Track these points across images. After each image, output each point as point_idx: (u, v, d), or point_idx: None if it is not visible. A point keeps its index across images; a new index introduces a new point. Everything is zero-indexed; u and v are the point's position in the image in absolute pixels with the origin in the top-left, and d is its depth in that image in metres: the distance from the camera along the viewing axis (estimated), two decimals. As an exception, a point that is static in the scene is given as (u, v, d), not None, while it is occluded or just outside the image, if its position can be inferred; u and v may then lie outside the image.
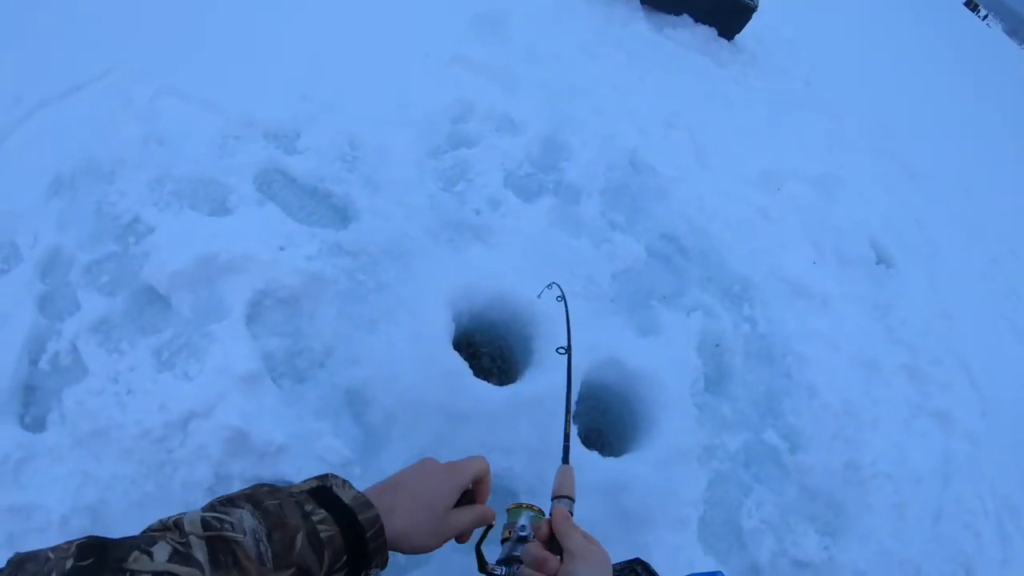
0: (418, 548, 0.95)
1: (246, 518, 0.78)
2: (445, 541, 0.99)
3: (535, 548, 1.01)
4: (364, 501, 0.88)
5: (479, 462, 1.06)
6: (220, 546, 0.72)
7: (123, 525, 1.79)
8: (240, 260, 2.22)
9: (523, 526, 1.10)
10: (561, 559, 0.98)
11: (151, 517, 1.81)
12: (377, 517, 0.87)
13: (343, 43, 3.28)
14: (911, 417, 3.30)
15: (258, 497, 0.82)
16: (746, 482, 2.59)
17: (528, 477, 2.15)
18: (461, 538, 1.04)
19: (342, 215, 2.59)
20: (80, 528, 1.79)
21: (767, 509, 2.55)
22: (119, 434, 1.89)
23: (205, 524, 0.74)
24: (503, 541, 1.11)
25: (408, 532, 0.93)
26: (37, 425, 1.93)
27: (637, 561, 1.49)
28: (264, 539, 0.77)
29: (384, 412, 2.13)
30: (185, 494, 1.87)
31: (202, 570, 0.69)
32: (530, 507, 1.12)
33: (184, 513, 0.76)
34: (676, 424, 2.44)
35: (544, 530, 1.04)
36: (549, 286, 2.61)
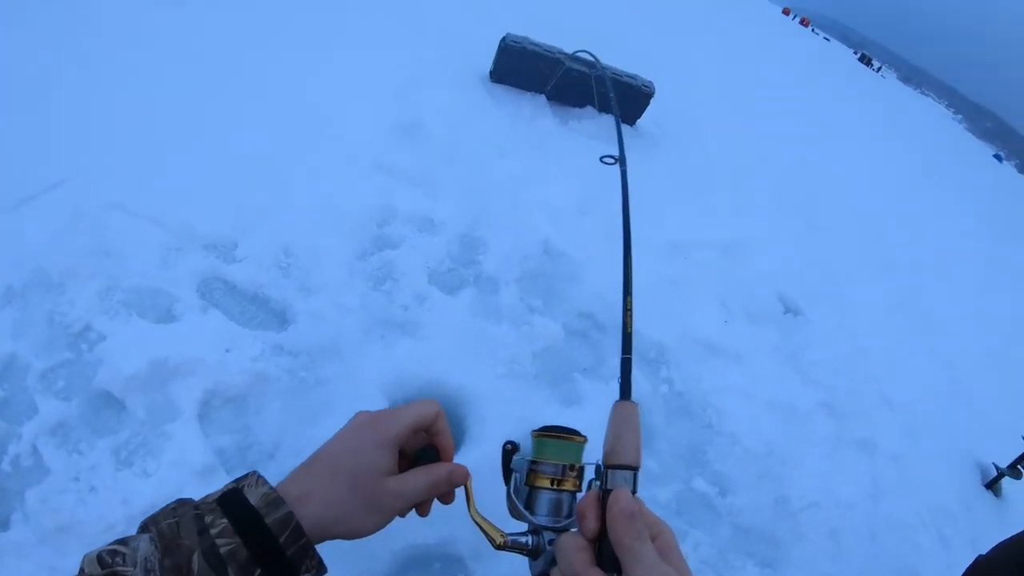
0: (355, 532, 0.77)
1: (142, 546, 0.68)
2: (389, 517, 0.79)
3: (576, 555, 0.65)
4: (274, 498, 0.72)
5: (421, 405, 0.83)
6: None
7: None
8: (189, 363, 2.38)
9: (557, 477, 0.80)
10: None
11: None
12: (290, 515, 0.71)
13: (275, 155, 3.51)
14: (834, 449, 3.57)
15: (159, 517, 0.71)
16: (681, 528, 2.77)
17: (472, 543, 2.29)
18: (420, 509, 0.84)
19: (281, 318, 2.78)
20: None
21: (705, 550, 2.74)
22: (83, 529, 1.97)
23: (101, 561, 0.66)
24: (531, 489, 0.81)
25: (335, 516, 0.75)
26: (1, 524, 1.99)
27: None
28: (156, 567, 0.67)
29: None
30: None
31: None
32: (571, 438, 0.81)
33: (87, 554, 0.68)
34: (605, 485, 2.64)
35: (592, 522, 0.66)
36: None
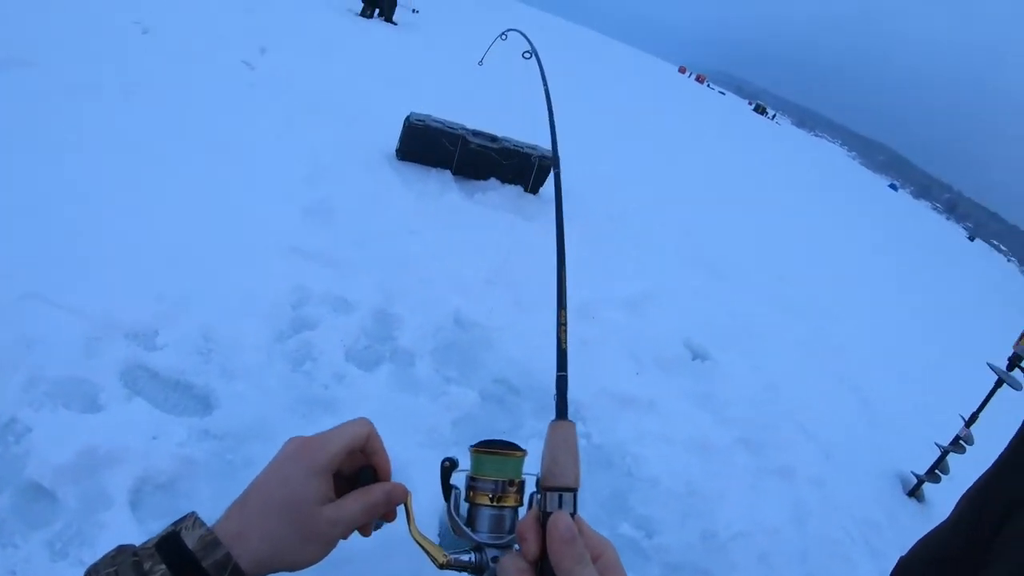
0: (296, 564, 0.74)
1: None
2: (330, 545, 0.77)
3: (517, 571, 0.65)
4: (210, 540, 0.71)
5: (352, 426, 0.80)
6: None
7: None
8: (118, 451, 2.38)
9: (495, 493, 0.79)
10: None
11: None
12: (227, 557, 0.70)
13: (192, 242, 3.56)
14: (755, 480, 3.71)
15: (100, 567, 0.70)
16: (611, 575, 2.86)
17: (415, 566, 2.30)
18: (362, 530, 0.83)
19: (205, 403, 2.80)
20: None
21: (638, 592, 2.81)
22: None
23: None
24: (471, 506, 0.81)
25: (274, 551, 0.73)
26: None
27: None
28: None
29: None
30: None
31: None
32: (509, 453, 0.80)
33: None
34: (529, 543, 2.72)
35: (532, 545, 0.65)
36: (504, 36, 2.79)
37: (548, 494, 0.69)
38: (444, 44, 15.22)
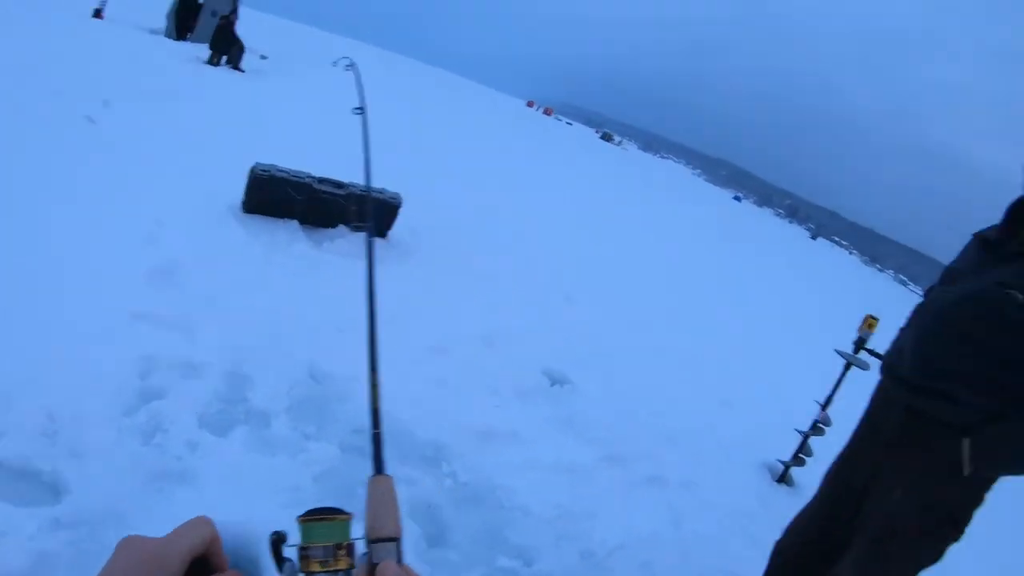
0: None
1: None
2: None
3: None
4: None
5: (193, 531, 0.70)
6: None
7: None
8: None
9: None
10: None
11: None
12: None
13: (26, 316, 3.36)
14: (625, 493, 3.81)
15: None
16: (494, 608, 2.85)
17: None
18: None
19: (54, 490, 2.62)
20: None
21: (523, 621, 2.82)
22: None
23: None
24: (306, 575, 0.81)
25: None
26: None
27: None
28: None
29: None
30: None
31: None
32: (334, 517, 0.81)
33: None
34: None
35: None
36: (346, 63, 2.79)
37: (373, 546, 0.75)
38: (292, 91, 15.01)
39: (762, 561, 3.19)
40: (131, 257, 4.26)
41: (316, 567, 0.77)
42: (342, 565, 0.78)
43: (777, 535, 3.10)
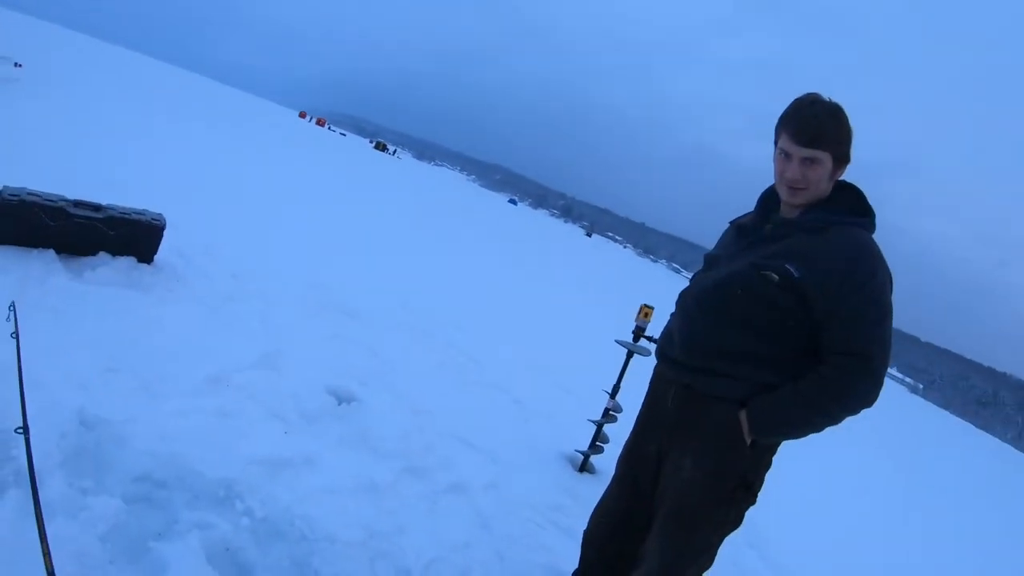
0: None
1: None
2: None
3: None
4: None
5: None
6: None
7: None
8: None
9: None
10: None
11: None
12: None
13: None
14: (431, 505, 3.83)
15: None
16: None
17: None
18: None
19: None
20: None
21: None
22: None
23: None
24: None
25: None
26: None
27: None
28: None
29: None
30: None
31: None
32: None
33: None
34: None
35: None
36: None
37: None
38: (52, 101, 13.64)
39: (577, 550, 3.34)
40: None
41: None
42: None
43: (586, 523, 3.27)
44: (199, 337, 4.79)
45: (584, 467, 5.19)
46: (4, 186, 4.97)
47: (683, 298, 2.85)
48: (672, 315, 2.93)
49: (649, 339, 4.86)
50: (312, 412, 4.31)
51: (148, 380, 3.97)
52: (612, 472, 3.21)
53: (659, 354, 2.90)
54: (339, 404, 4.59)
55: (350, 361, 5.46)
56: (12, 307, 2.58)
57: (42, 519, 1.01)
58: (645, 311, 5.03)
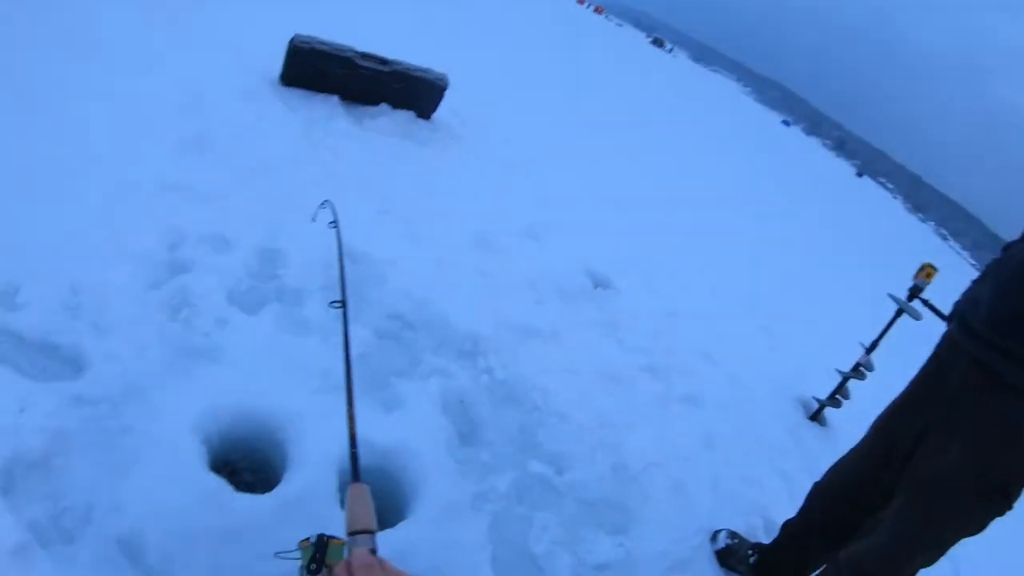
0: None
1: None
2: None
3: None
4: None
5: None
6: None
7: None
8: None
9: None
10: None
11: None
12: None
13: (49, 182, 3.19)
14: (663, 408, 3.64)
15: None
16: (524, 513, 2.73)
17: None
18: None
19: (75, 365, 2.49)
20: None
21: (553, 530, 2.70)
22: None
23: None
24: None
25: None
26: None
27: None
28: None
29: (160, 551, 2.09)
30: None
31: None
32: (329, 540, 1.05)
33: None
34: (440, 484, 2.57)
35: None
36: (322, 205, 2.79)
37: (351, 537, 0.96)
38: None
39: (787, 496, 3.17)
40: (162, 126, 4.03)
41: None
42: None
43: (805, 472, 2.97)
44: (469, 195, 4.85)
45: (816, 416, 4.71)
46: (296, 34, 5.20)
47: (1001, 265, 2.33)
48: (977, 281, 2.41)
49: (925, 303, 4.22)
50: (567, 290, 4.23)
51: (415, 226, 4.08)
52: (844, 430, 2.80)
53: (957, 320, 2.41)
54: (595, 288, 4.47)
55: (612, 249, 5.30)
56: (328, 203, 2.69)
57: (352, 391, 1.39)
58: (928, 270, 4.31)
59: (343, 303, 1.71)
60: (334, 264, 3.28)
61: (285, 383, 2.67)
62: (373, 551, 0.93)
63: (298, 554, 1.15)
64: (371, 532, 0.97)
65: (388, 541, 2.32)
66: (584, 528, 2.79)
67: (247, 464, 2.67)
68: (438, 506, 2.51)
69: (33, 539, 1.97)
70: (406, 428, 2.70)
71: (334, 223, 2.41)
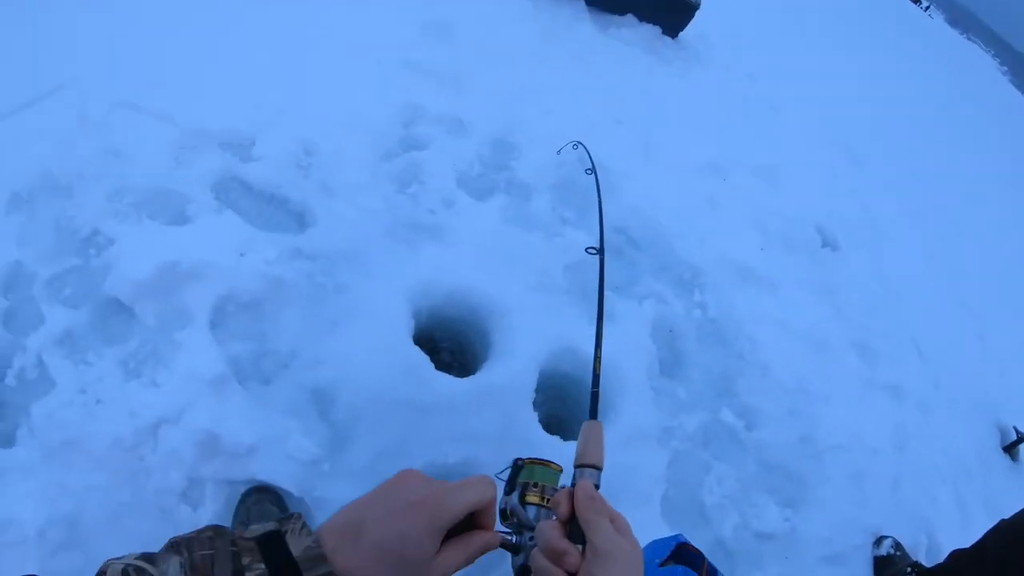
0: None
1: (171, 570, 0.67)
2: None
3: (552, 531, 0.83)
4: (317, 554, 0.70)
5: (477, 489, 0.80)
6: None
7: (100, 536, 1.80)
8: (202, 267, 2.22)
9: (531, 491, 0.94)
10: (583, 551, 0.81)
11: (128, 526, 1.83)
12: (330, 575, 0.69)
13: (296, 51, 3.29)
14: (863, 391, 3.40)
15: (194, 545, 0.70)
16: (705, 460, 2.66)
17: (494, 464, 2.18)
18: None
19: (299, 220, 2.61)
20: (57, 540, 1.76)
21: (728, 485, 2.62)
22: (90, 444, 1.86)
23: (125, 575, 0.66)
24: (509, 502, 0.96)
25: None
26: (6, 440, 1.89)
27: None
28: None
29: (350, 409, 2.17)
30: (159, 500, 1.87)
31: None
32: (545, 464, 0.97)
33: (111, 562, 0.68)
34: (634, 407, 2.53)
35: (564, 507, 0.85)
36: (575, 146, 2.76)
37: (578, 469, 0.93)
38: None
39: (959, 523, 3.00)
40: (408, 6, 4.07)
41: (534, 499, 0.94)
42: (550, 505, 0.94)
43: (982, 503, 2.93)
44: (706, 123, 4.66)
45: (1010, 448, 4.18)
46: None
47: None
48: None
49: None
50: (794, 241, 3.99)
51: (650, 144, 3.96)
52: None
53: None
54: (822, 247, 4.20)
55: (846, 210, 4.94)
56: (580, 144, 2.63)
57: (601, 334, 1.35)
58: None
59: (600, 251, 1.64)
60: (566, 165, 3.25)
61: (502, 274, 2.66)
62: (596, 486, 0.89)
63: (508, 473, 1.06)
64: (599, 468, 0.93)
65: (570, 453, 2.30)
66: (757, 491, 2.68)
67: (449, 345, 2.72)
68: (627, 429, 2.47)
69: (232, 373, 2.09)
70: (612, 344, 2.62)
71: (591, 170, 2.35)
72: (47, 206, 2.33)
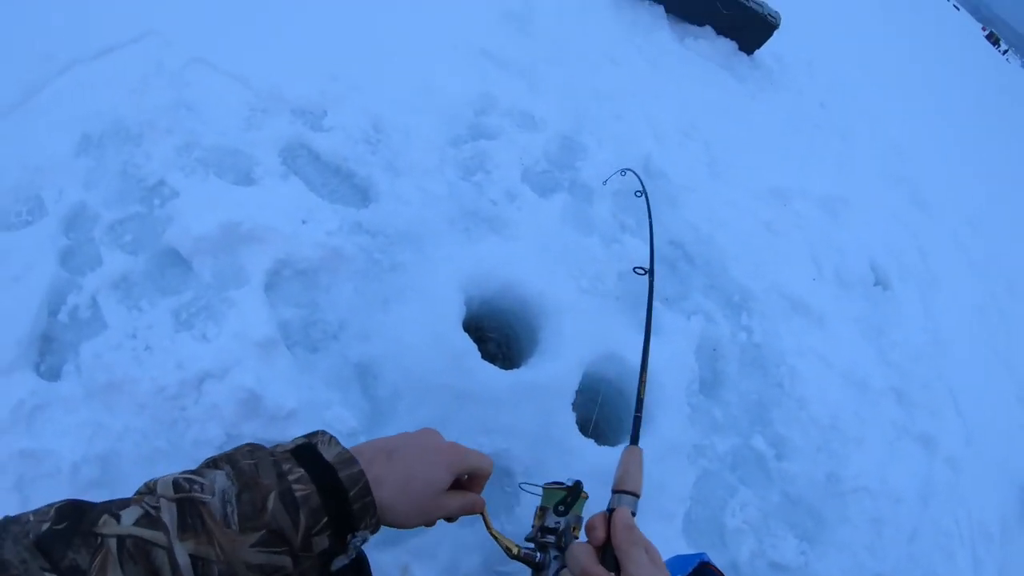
0: (398, 524, 0.91)
1: (219, 479, 0.76)
2: (428, 522, 0.95)
3: (586, 556, 0.88)
4: (347, 458, 0.83)
5: (484, 459, 1.00)
6: (188, 508, 0.72)
7: (132, 477, 1.83)
8: (262, 230, 2.26)
9: (557, 517, 1.04)
10: None
11: (160, 471, 1.88)
12: (361, 473, 0.82)
13: (375, 28, 3.32)
14: (896, 438, 3.37)
15: (236, 457, 0.80)
16: (732, 483, 2.66)
17: (525, 460, 2.22)
18: (448, 519, 0.99)
19: (363, 195, 2.64)
20: (89, 477, 1.80)
21: (750, 511, 2.62)
22: (134, 388, 1.90)
23: (176, 486, 0.74)
24: (540, 526, 1.06)
25: (393, 506, 0.87)
26: (52, 374, 1.93)
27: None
28: (233, 500, 0.75)
29: (392, 387, 2.19)
30: (195, 451, 1.90)
31: (167, 532, 0.70)
32: (565, 488, 1.05)
33: (155, 479, 0.76)
34: (669, 421, 2.53)
35: (599, 533, 0.90)
36: (623, 172, 2.82)
37: (616, 495, 0.97)
38: None
39: None
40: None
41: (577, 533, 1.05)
42: (577, 533, 1.04)
43: (999, 570, 2.92)
44: (774, 146, 4.64)
45: None
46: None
47: None
48: None
49: None
50: (847, 276, 3.96)
51: (716, 160, 3.95)
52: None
53: None
54: (874, 285, 4.15)
55: (902, 250, 4.87)
56: (630, 170, 2.66)
57: (647, 358, 1.51)
58: None
59: (651, 272, 1.68)
60: (630, 174, 3.25)
61: (557, 273, 2.68)
62: (633, 514, 0.94)
63: (539, 491, 1.16)
64: (637, 496, 0.98)
65: (602, 457, 2.32)
66: (777, 522, 2.68)
67: (496, 336, 2.74)
68: (661, 444, 2.48)
69: (281, 338, 2.13)
70: (656, 355, 2.65)
71: (641, 192, 2.35)
72: (116, 152, 2.37)
